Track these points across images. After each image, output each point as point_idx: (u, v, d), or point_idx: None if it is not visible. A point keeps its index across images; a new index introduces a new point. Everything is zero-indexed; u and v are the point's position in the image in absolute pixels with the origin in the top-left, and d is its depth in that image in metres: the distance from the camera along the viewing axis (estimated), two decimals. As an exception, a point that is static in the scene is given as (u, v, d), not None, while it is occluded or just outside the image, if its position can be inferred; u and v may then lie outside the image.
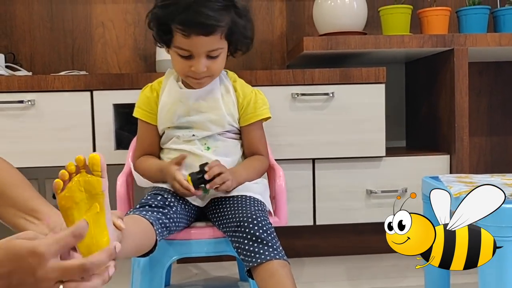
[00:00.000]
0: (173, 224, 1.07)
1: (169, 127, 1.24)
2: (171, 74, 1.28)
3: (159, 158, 1.28)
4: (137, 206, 1.08)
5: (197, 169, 1.13)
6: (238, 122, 1.26)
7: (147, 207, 1.06)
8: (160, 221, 1.03)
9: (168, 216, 1.06)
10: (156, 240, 0.99)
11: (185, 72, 1.18)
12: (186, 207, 1.15)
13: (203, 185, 1.12)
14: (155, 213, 1.04)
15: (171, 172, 1.13)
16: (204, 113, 1.22)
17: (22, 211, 0.82)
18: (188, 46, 1.14)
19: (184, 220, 1.13)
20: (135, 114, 1.28)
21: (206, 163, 1.13)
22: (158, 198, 1.10)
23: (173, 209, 1.09)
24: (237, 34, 1.17)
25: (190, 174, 1.12)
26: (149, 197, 1.11)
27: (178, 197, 1.14)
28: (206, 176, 1.10)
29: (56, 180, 0.73)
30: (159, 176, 1.19)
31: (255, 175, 1.24)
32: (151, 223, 0.99)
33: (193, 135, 1.22)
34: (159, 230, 1.01)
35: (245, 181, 1.19)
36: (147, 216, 1.01)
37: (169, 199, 1.10)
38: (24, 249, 0.62)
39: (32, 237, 0.65)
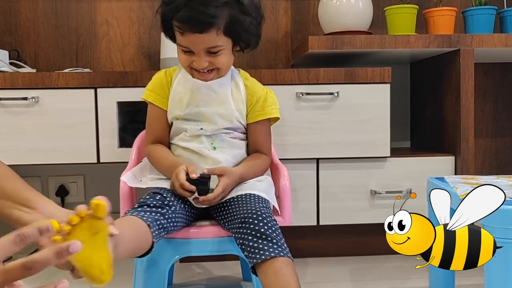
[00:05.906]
0: (171, 224, 1.06)
1: (177, 118, 1.24)
2: None
3: (169, 146, 1.27)
4: (136, 206, 1.07)
5: (201, 170, 1.13)
6: (246, 119, 1.26)
7: (145, 207, 1.05)
8: (158, 222, 1.02)
9: (166, 216, 1.05)
10: (153, 242, 0.98)
11: (189, 66, 1.19)
12: (186, 206, 1.14)
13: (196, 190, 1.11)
14: (153, 214, 1.03)
15: (176, 171, 1.12)
16: (213, 106, 1.22)
17: (15, 202, 0.82)
18: (186, 44, 1.15)
19: (183, 220, 1.12)
20: (147, 97, 1.26)
21: (209, 176, 1.11)
22: (157, 198, 1.09)
23: (172, 209, 1.08)
24: (238, 30, 1.16)
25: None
26: (148, 196, 1.10)
27: (178, 197, 1.13)
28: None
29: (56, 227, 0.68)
30: (168, 172, 1.18)
31: (255, 174, 1.24)
32: (148, 225, 0.98)
33: (201, 129, 1.21)
34: (156, 232, 1.00)
35: (244, 180, 1.19)
36: (144, 218, 1.00)
37: (168, 198, 1.09)
38: None
39: None
